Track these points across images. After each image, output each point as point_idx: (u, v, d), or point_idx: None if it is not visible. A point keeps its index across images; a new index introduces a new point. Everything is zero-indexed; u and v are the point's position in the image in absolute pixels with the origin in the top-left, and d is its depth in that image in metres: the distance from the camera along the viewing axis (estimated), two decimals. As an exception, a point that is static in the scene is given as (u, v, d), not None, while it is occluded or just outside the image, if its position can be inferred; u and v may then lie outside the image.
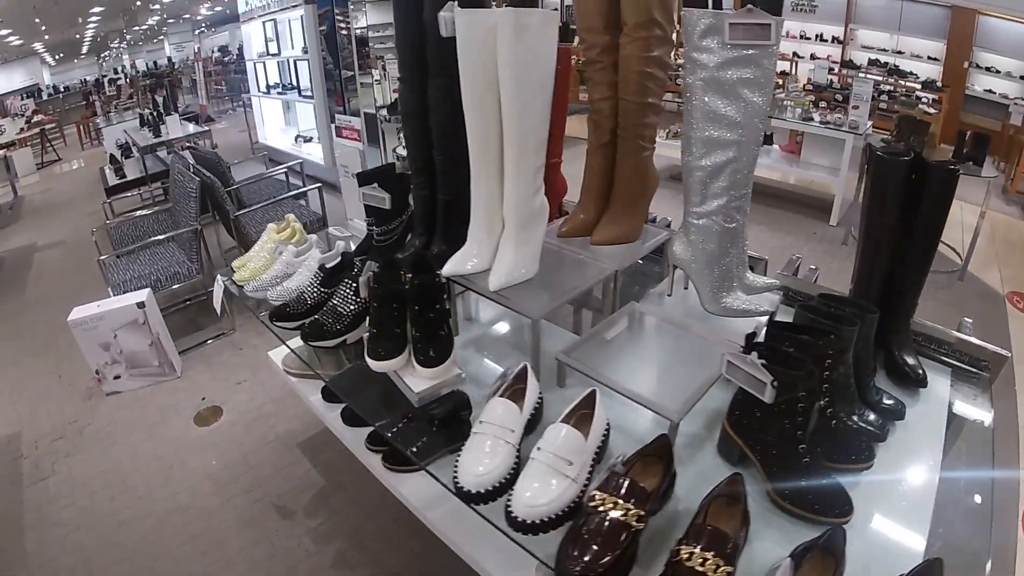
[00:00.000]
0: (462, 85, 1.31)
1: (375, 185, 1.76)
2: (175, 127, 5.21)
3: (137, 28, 15.21)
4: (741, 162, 1.30)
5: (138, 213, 3.77)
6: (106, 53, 17.04)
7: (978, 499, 1.16)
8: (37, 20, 11.55)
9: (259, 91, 6.67)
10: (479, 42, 1.24)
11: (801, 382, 1.04)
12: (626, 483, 1.00)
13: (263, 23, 6.27)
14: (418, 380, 1.33)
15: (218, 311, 2.00)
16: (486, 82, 1.28)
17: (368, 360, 1.34)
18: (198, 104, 8.72)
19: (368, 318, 1.47)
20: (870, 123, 4.73)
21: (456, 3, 1.29)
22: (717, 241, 1.40)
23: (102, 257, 3.21)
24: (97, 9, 12.16)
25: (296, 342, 1.73)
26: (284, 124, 6.82)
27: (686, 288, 1.62)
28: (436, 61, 1.40)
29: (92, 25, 14.04)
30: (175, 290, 3.32)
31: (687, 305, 1.63)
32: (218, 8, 14.55)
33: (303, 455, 2.53)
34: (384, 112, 4.91)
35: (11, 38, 13.19)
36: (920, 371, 1.33)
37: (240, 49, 13.65)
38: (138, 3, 12.68)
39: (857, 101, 4.68)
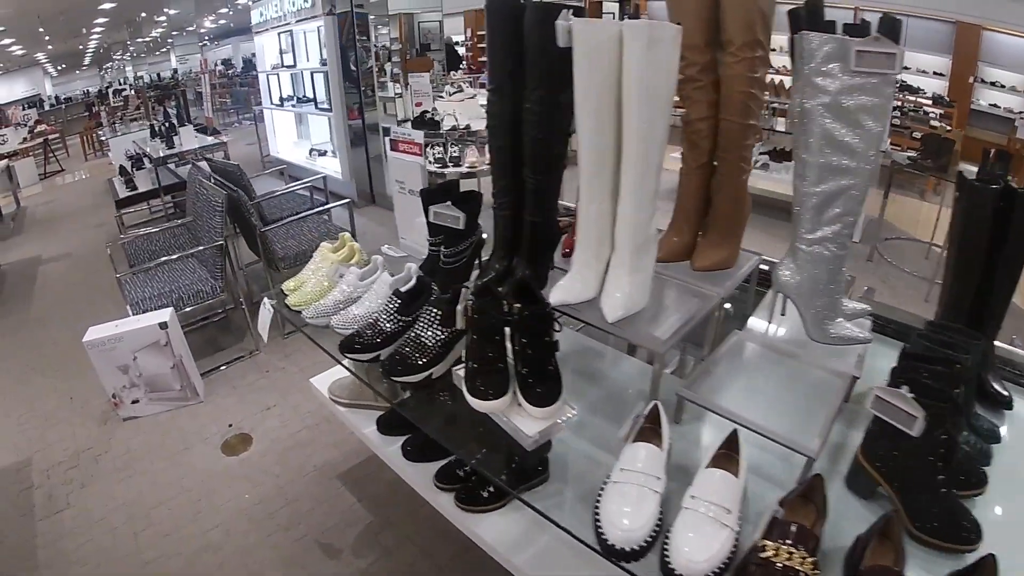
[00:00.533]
0: (577, 99, 1.20)
1: (450, 203, 1.62)
2: (189, 138, 5.05)
3: (140, 40, 15.13)
4: (856, 189, 1.27)
5: (153, 228, 3.60)
6: (108, 64, 16.95)
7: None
8: (41, 30, 11.42)
9: (272, 103, 6.54)
10: (601, 54, 1.14)
11: (948, 414, 1.03)
12: (794, 528, 0.93)
13: (278, 35, 6.17)
14: (529, 421, 1.18)
15: (264, 338, 1.84)
16: (605, 97, 1.17)
17: (471, 400, 1.20)
18: (204, 116, 8.58)
19: (465, 351, 1.32)
20: (887, 140, 4.67)
21: (570, 11, 1.18)
22: (826, 268, 1.34)
23: (120, 275, 3.03)
24: (101, 20, 12.05)
25: (334, 370, 1.58)
26: (296, 137, 6.69)
27: (783, 314, 1.51)
28: (537, 71, 1.27)
29: (96, 36, 13.95)
30: (192, 308, 3.14)
31: (788, 332, 1.56)
32: (222, 21, 14.50)
33: (345, 488, 2.36)
34: (408, 127, 4.79)
35: (14, 47, 13.06)
36: (1006, 393, 1.35)
37: (246, 62, 13.69)
38: (143, 15, 12.59)
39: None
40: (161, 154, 4.86)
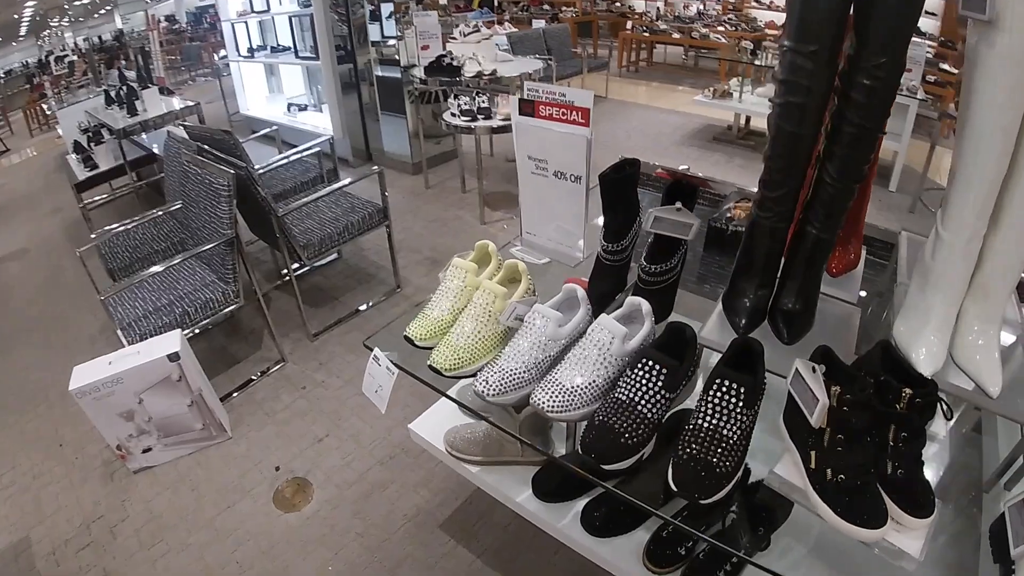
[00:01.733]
0: (999, 80, 0.79)
1: (679, 206, 1.06)
2: (154, 103, 4.24)
3: (79, 3, 13.75)
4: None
5: (131, 222, 2.87)
6: (46, 33, 15.45)
7: None
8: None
9: (239, 55, 5.69)
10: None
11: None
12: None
13: (242, -23, 5.29)
14: (908, 537, 0.85)
15: (382, 410, 1.26)
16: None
17: (841, 524, 0.83)
18: (155, 77, 7.59)
19: (825, 456, 0.81)
20: (921, 88, 4.36)
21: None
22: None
23: (104, 296, 2.36)
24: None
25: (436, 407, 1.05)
26: (268, 92, 5.87)
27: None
28: (886, 28, 0.84)
29: (31, 4, 12.67)
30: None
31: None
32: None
33: (454, 540, 1.85)
34: (420, 75, 4.10)
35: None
36: None
37: (193, 15, 12.38)
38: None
39: (911, 64, 4.25)
40: (123, 124, 4.05)
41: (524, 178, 1.44)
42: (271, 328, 2.68)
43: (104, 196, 3.51)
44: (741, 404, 0.94)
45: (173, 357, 2.05)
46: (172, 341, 2.09)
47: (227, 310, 2.43)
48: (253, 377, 2.66)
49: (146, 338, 2.19)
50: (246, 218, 3.11)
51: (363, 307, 3.15)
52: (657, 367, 0.95)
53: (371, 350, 1.25)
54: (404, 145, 4.69)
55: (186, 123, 4.00)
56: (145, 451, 2.20)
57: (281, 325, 2.97)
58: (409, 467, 2.11)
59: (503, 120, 3.61)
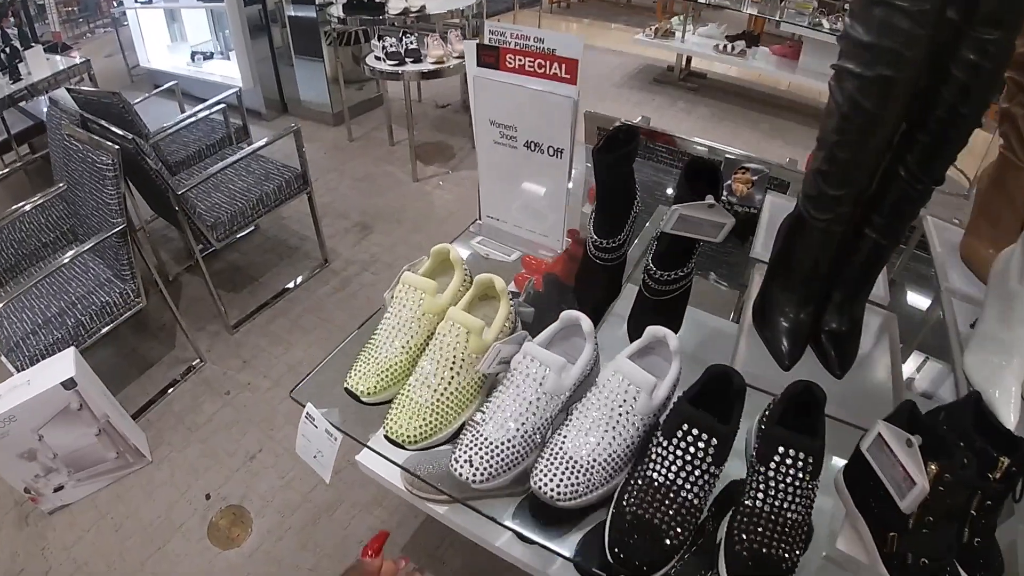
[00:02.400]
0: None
1: (711, 201, 0.79)
2: (39, 64, 3.53)
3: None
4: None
5: (17, 207, 2.37)
6: None
7: None
8: None
9: (136, 0, 4.91)
10: None
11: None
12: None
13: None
14: None
15: (326, 479, 0.97)
16: None
17: None
18: (51, 32, 6.56)
19: (909, 540, 0.65)
20: None
21: None
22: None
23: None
24: None
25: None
26: (170, 40, 5.13)
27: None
28: None
29: None
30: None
31: None
32: None
33: (428, 564, 1.63)
34: (338, 14, 3.60)
35: None
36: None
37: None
38: None
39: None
40: (7, 91, 3.39)
41: (484, 148, 1.15)
42: (183, 325, 2.30)
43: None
44: (808, 476, 0.73)
45: (68, 384, 1.68)
46: (66, 364, 1.72)
47: (127, 315, 2.04)
48: (168, 386, 2.30)
49: (36, 361, 1.80)
50: (143, 193, 2.66)
51: (289, 285, 2.80)
52: (704, 436, 0.72)
53: (302, 405, 0.96)
54: (323, 93, 4.19)
55: (80, 86, 3.38)
56: (57, 490, 1.85)
57: (196, 317, 2.59)
58: (358, 483, 1.86)
59: (435, 64, 3.21)
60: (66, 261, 1.96)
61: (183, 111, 3.01)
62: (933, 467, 0.69)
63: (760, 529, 0.72)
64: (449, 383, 0.85)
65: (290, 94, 4.41)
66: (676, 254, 0.93)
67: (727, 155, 1.65)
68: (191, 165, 2.86)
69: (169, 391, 2.27)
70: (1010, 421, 0.76)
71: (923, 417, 0.75)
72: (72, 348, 1.78)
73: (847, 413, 0.85)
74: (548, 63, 0.96)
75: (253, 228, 3.15)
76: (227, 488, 1.91)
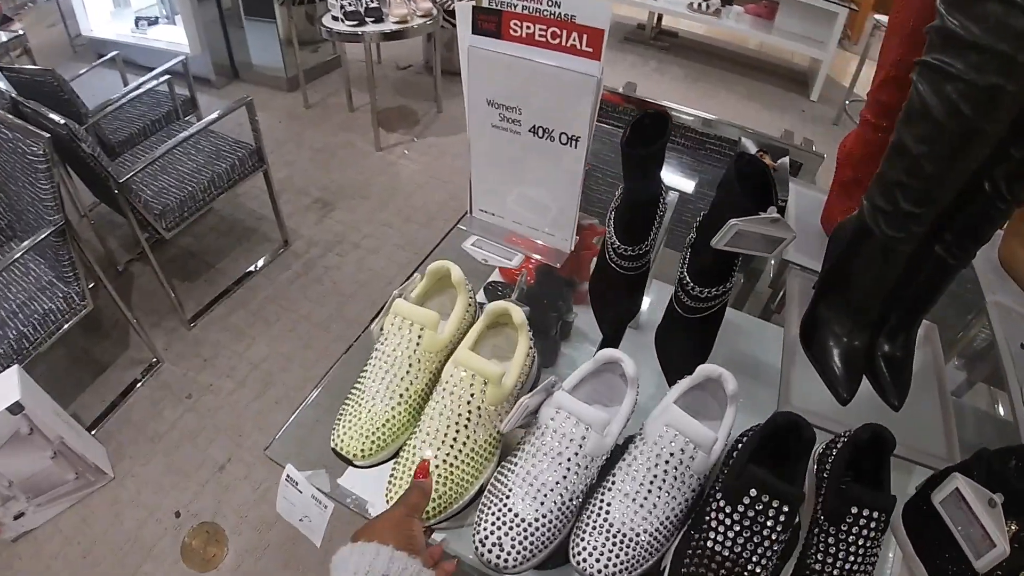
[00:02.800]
0: None
1: (775, 215, 0.67)
2: None
3: None
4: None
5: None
6: None
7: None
8: None
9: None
10: None
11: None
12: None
13: None
14: None
15: (316, 543, 0.83)
16: None
17: None
18: None
19: None
20: None
21: None
22: None
23: None
24: None
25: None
26: (113, 6, 4.68)
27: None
28: None
29: None
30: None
31: None
32: None
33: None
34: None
35: None
36: None
37: None
38: None
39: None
40: None
41: (479, 132, 0.99)
42: (135, 323, 2.10)
43: None
44: (879, 534, 0.65)
45: (15, 409, 1.50)
46: (10, 386, 1.52)
47: (72, 321, 1.84)
48: (126, 389, 2.12)
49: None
50: (83, 179, 2.41)
51: (249, 270, 2.61)
52: (775, 504, 0.62)
53: (281, 466, 0.82)
54: (276, 56, 3.89)
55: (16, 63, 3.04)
56: (17, 517, 1.69)
57: (150, 311, 2.39)
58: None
59: (398, 23, 2.97)
60: (3, 266, 1.74)
61: (127, 83, 2.72)
62: (1013, 526, 0.62)
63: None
64: (464, 444, 0.73)
65: (241, 58, 4.09)
66: (720, 268, 0.81)
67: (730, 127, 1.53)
68: (136, 144, 2.60)
69: (127, 397, 2.09)
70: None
71: (996, 465, 0.67)
72: (16, 367, 1.59)
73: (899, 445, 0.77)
74: (565, 32, 0.80)
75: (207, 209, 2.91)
76: (197, 504, 1.78)
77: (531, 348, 0.82)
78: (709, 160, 1.62)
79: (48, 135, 1.66)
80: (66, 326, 1.82)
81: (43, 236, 1.72)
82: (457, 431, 0.72)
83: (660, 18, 4.86)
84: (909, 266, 0.76)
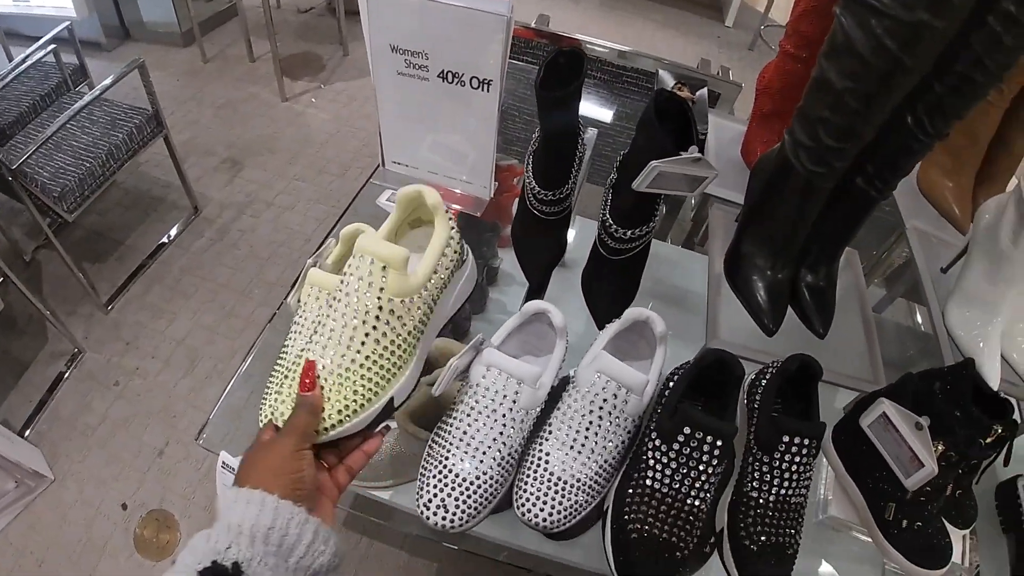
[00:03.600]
0: None
1: (697, 154, 0.66)
2: None
3: None
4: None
5: None
6: None
7: None
8: None
9: None
10: None
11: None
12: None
13: None
14: None
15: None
16: None
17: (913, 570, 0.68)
18: None
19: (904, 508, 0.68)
20: None
21: None
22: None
23: None
24: None
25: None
26: None
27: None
28: None
29: None
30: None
31: None
32: None
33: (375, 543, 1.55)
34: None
35: None
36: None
37: None
38: None
39: None
40: None
41: (385, 81, 0.94)
42: (49, 315, 1.97)
43: None
44: (811, 459, 0.68)
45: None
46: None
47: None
48: (51, 384, 2.00)
49: None
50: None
51: (162, 242, 2.47)
52: (709, 439, 0.63)
53: (215, 454, 0.78)
54: (168, 10, 3.57)
55: None
56: None
57: (63, 300, 2.24)
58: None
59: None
60: None
61: (10, 58, 2.46)
62: (940, 446, 0.66)
63: (767, 520, 0.67)
64: (363, 345, 0.60)
65: (131, 17, 3.73)
66: (643, 209, 0.80)
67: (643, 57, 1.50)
68: (27, 123, 2.37)
69: (53, 393, 1.98)
70: (995, 383, 0.73)
71: (920, 387, 0.71)
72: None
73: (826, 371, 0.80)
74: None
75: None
76: (142, 493, 1.72)
77: (454, 239, 0.70)
78: (627, 93, 1.60)
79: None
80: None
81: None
82: (355, 329, 0.59)
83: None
84: (831, 199, 0.77)
